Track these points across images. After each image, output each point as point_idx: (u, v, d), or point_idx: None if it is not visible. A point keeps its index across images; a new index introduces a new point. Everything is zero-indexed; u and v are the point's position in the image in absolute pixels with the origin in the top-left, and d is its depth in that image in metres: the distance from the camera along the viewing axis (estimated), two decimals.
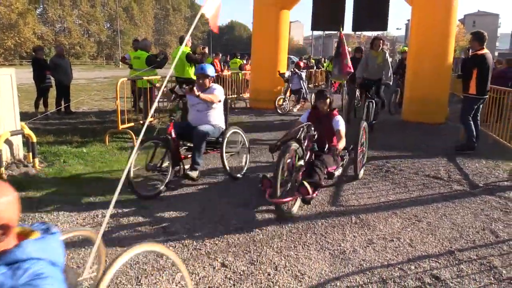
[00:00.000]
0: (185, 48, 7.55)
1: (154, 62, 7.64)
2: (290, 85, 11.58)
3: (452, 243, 3.48)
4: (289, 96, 11.73)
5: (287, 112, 11.18)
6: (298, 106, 11.86)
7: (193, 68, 7.58)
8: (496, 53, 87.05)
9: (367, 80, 8.34)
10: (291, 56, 32.27)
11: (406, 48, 8.43)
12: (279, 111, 10.95)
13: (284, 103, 11.24)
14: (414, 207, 4.31)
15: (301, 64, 12.97)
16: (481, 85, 6.49)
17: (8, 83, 5.11)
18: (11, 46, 60.88)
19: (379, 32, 17.67)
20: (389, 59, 8.79)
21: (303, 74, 11.92)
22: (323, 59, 39.96)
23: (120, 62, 11.52)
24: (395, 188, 4.93)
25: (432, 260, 3.18)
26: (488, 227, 3.81)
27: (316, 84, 22.18)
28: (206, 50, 9.09)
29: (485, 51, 6.57)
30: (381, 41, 8.40)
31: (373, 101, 7.95)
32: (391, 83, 8.73)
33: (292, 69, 12.07)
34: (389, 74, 8.34)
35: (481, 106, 6.81)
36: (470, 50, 6.81)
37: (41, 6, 70.69)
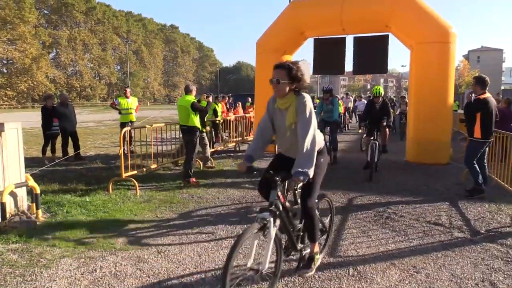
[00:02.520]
0: (190, 96, 7.77)
1: (199, 107, 7.76)
2: None
3: None
4: None
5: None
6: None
7: (198, 116, 7.76)
8: (502, 87, 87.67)
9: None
10: None
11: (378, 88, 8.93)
12: None
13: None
14: (413, 257, 4.28)
15: None
16: (485, 129, 6.54)
17: (15, 136, 5.28)
18: (24, 90, 62.66)
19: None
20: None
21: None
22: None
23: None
24: (394, 236, 4.90)
25: None
26: (488, 278, 3.77)
27: None
28: (211, 98, 9.32)
29: (487, 95, 6.67)
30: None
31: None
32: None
33: None
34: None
35: (486, 149, 6.82)
36: (473, 94, 6.91)
37: (54, 50, 73.17)
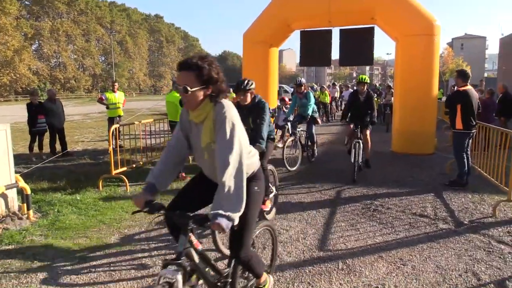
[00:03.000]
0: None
1: None
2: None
3: None
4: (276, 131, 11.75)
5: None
6: (281, 143, 11.08)
7: None
8: (485, 74, 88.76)
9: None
10: (283, 85, 32.75)
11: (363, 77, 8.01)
12: None
13: None
14: (400, 249, 4.42)
15: (286, 99, 13.09)
16: (466, 120, 6.71)
17: (3, 138, 5.27)
18: (6, 83, 61.46)
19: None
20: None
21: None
22: (315, 85, 40.54)
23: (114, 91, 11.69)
24: (382, 229, 5.05)
25: None
26: (471, 269, 3.93)
27: None
28: None
29: (468, 87, 6.85)
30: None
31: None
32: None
33: (278, 105, 12.26)
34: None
35: (469, 141, 6.99)
36: (455, 87, 7.08)
37: (37, 42, 71.75)
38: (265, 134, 4.95)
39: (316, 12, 10.90)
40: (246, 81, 5.09)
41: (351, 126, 7.89)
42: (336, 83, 30.89)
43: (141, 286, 3.68)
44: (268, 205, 5.24)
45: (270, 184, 5.29)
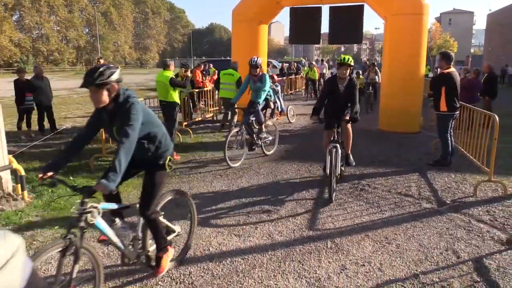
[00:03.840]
0: (168, 72, 7.78)
1: (178, 83, 7.81)
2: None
3: (417, 265, 3.81)
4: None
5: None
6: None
7: (177, 92, 7.82)
8: (472, 50, 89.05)
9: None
10: (272, 60, 32.57)
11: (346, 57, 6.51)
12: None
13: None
14: (385, 228, 4.64)
15: (275, 77, 13.09)
16: (450, 102, 6.89)
17: None
18: None
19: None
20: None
21: (278, 88, 11.91)
22: (304, 60, 40.32)
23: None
24: (368, 208, 5.26)
25: (398, 284, 3.51)
26: (451, 247, 4.16)
27: (296, 90, 22.59)
28: (189, 73, 9.36)
29: (452, 69, 7.00)
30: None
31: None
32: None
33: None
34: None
35: (453, 122, 7.18)
36: (439, 69, 7.22)
37: (18, 13, 69.56)
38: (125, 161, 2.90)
39: None
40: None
41: (327, 132, 6.05)
42: (324, 59, 30.56)
43: (138, 268, 3.83)
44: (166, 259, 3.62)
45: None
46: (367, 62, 24.88)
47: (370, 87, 15.23)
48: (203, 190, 6.02)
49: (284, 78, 21.28)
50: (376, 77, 15.36)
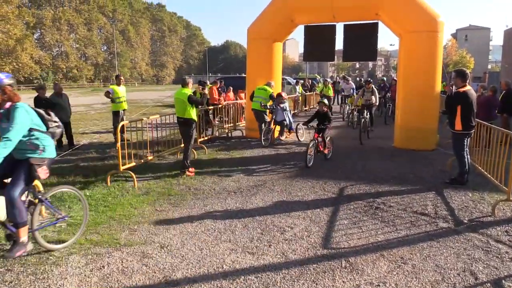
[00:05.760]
0: (187, 89, 7.92)
1: (196, 100, 7.98)
2: (274, 116, 11.58)
3: (434, 286, 3.74)
4: (274, 127, 11.74)
5: (272, 143, 11.40)
6: (283, 137, 12.12)
7: (195, 109, 7.94)
8: (489, 66, 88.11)
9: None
10: (286, 77, 32.72)
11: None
12: (263, 142, 11.07)
13: (268, 135, 11.37)
14: (400, 247, 4.58)
15: (283, 95, 11.94)
16: (466, 121, 6.81)
17: None
18: (9, 72, 61.38)
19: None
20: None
21: (286, 105, 11.72)
22: (318, 77, 40.33)
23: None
24: (383, 227, 5.20)
25: None
26: (469, 268, 4.08)
27: (311, 107, 22.58)
28: (206, 90, 9.55)
29: (468, 87, 6.93)
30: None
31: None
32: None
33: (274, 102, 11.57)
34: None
35: (468, 140, 7.09)
36: (454, 86, 7.15)
37: (39, 31, 71.55)
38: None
39: (319, 6, 10.97)
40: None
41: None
42: (346, 76, 29.30)
43: (152, 282, 3.85)
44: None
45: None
46: (361, 80, 23.48)
47: (365, 112, 12.39)
48: (217, 208, 6.04)
49: (298, 94, 21.12)
50: (373, 97, 12.67)
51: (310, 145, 8.56)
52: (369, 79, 14.87)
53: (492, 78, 30.29)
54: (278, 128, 11.93)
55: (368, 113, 12.49)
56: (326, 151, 9.17)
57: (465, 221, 5.38)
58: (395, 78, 18.50)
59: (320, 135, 8.92)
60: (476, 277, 3.91)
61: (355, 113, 13.88)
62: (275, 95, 11.28)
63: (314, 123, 9.21)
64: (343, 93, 19.59)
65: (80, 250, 4.51)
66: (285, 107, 11.53)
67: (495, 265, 4.13)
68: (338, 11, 10.87)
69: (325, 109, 9.24)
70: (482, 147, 7.47)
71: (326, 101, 9.61)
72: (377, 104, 12.50)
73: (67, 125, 10.58)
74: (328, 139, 9.26)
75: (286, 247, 4.61)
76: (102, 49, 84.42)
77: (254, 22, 12.10)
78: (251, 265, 4.20)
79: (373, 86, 13.26)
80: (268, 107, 11.36)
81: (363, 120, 11.94)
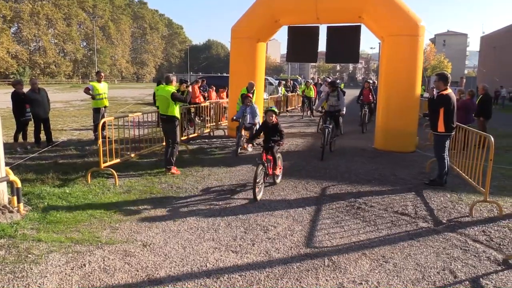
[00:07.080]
0: (171, 87, 7.85)
1: (180, 98, 7.87)
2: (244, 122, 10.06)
3: (415, 284, 3.81)
4: (245, 133, 10.37)
5: (239, 153, 9.86)
6: (250, 147, 10.37)
7: (178, 106, 7.88)
8: (466, 71, 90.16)
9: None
10: (268, 78, 32.77)
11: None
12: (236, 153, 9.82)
13: (240, 141, 9.98)
14: (382, 246, 4.65)
15: (250, 96, 10.54)
16: (448, 122, 6.97)
17: None
18: None
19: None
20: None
21: (257, 109, 10.34)
22: (299, 78, 40.60)
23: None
24: (365, 226, 5.27)
25: None
26: (448, 266, 4.17)
27: (292, 108, 22.71)
28: (190, 88, 9.47)
29: (449, 91, 7.09)
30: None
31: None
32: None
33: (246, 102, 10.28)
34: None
35: (449, 141, 7.25)
36: (435, 90, 7.30)
37: (16, 25, 69.86)
38: None
39: (303, 8, 11.03)
40: None
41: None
42: (326, 77, 29.65)
43: (135, 281, 3.80)
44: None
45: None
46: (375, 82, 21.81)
47: (365, 107, 14.89)
48: (200, 206, 6.00)
49: (280, 95, 21.27)
50: (339, 102, 10.51)
51: (258, 171, 6.39)
52: (335, 80, 13.64)
53: (469, 83, 31.05)
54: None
55: (333, 122, 10.22)
56: (277, 172, 7.21)
57: (444, 221, 5.49)
58: (368, 80, 18.39)
59: (269, 154, 6.91)
60: (455, 275, 4.00)
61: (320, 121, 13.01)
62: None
63: (261, 139, 7.23)
64: (322, 96, 19.68)
65: (60, 248, 4.42)
66: (255, 110, 10.22)
67: (473, 264, 4.23)
68: (322, 13, 10.96)
69: (274, 120, 7.03)
70: (460, 149, 7.65)
71: (275, 109, 7.40)
72: (344, 113, 10.46)
73: (46, 121, 10.35)
74: (278, 156, 7.25)
75: (270, 246, 4.62)
76: (82, 45, 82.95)
77: (238, 21, 12.08)
78: (235, 264, 4.19)
79: (339, 88, 11.32)
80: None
81: (326, 130, 9.70)
